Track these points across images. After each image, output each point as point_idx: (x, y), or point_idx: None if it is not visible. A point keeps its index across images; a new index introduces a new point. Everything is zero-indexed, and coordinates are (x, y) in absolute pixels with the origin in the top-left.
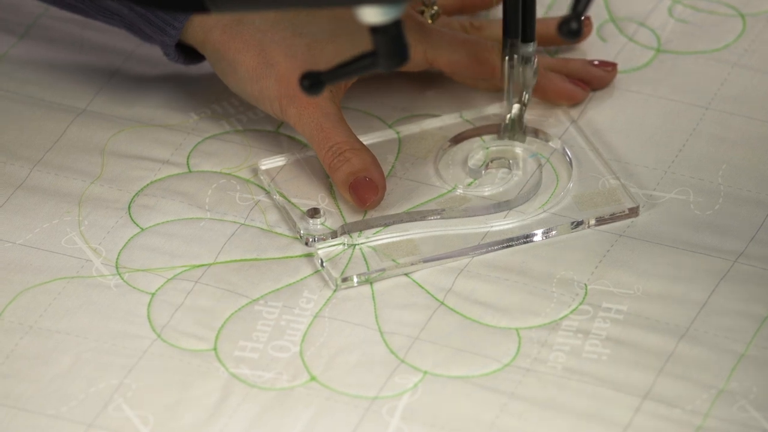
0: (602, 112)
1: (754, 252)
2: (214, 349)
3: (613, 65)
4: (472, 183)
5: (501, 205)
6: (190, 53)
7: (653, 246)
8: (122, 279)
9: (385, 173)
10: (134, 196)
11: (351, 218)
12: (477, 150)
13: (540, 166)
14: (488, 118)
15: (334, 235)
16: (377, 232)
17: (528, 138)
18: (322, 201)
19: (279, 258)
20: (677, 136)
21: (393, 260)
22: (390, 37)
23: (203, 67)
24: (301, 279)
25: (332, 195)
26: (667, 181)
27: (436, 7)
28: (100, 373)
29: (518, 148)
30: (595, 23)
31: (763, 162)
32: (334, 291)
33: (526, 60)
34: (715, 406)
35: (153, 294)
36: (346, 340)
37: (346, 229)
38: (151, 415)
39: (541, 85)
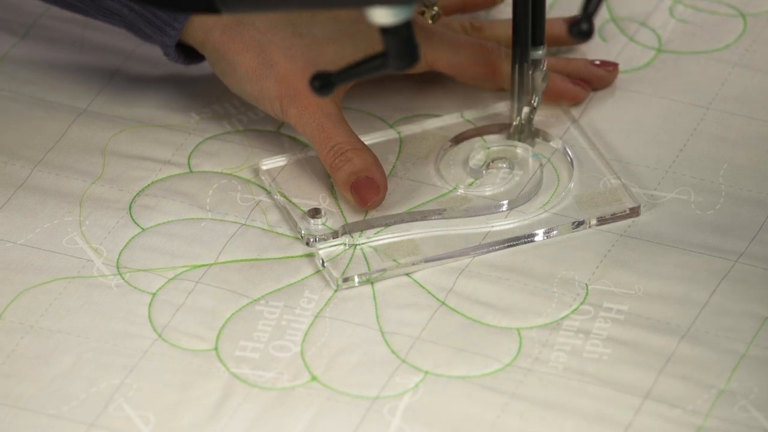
0: (603, 112)
1: (755, 252)
2: (215, 349)
3: (615, 65)
4: (473, 183)
5: (502, 205)
6: (190, 53)
7: (654, 246)
8: (123, 279)
9: (386, 173)
10: (135, 197)
11: (352, 218)
12: (478, 150)
13: (541, 166)
14: (489, 118)
15: (335, 235)
16: (378, 232)
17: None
18: (323, 201)
19: (280, 258)
20: (678, 136)
21: (394, 260)
22: (401, 38)
23: (204, 68)
24: (302, 279)
25: (333, 195)
26: (668, 180)
27: (436, 8)
28: (101, 372)
29: (519, 148)
30: (596, 23)
31: (764, 162)
32: (335, 291)
33: (535, 64)
34: (716, 406)
35: (154, 294)
36: (347, 340)
37: (347, 229)
38: (152, 414)
39: None
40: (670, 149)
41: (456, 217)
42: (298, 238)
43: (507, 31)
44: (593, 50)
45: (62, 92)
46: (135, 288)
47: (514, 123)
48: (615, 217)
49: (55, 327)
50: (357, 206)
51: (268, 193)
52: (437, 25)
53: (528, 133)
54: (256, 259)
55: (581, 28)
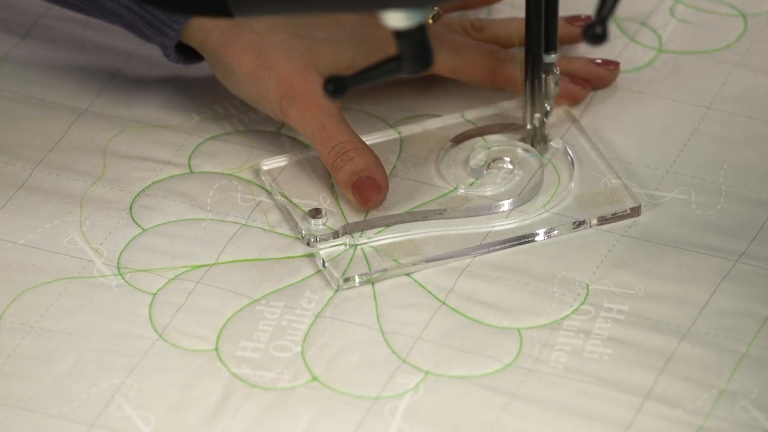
0: (604, 112)
1: (755, 252)
2: (216, 349)
3: (616, 64)
4: (473, 183)
5: (502, 205)
6: (189, 54)
7: (655, 246)
8: (124, 279)
9: (387, 173)
10: (136, 197)
11: (352, 218)
12: (478, 150)
13: (542, 165)
14: (490, 118)
15: (335, 235)
16: (379, 232)
17: (520, 139)
18: (323, 201)
19: (280, 258)
20: (679, 136)
21: (395, 260)
22: (414, 42)
23: (204, 69)
24: (303, 279)
25: (334, 195)
26: (669, 180)
27: (437, 8)
28: (101, 373)
29: (520, 148)
30: None
31: (764, 162)
32: (336, 291)
33: (547, 70)
34: (717, 406)
35: (154, 294)
36: (347, 340)
37: (348, 230)
38: (152, 415)
39: None
40: (670, 149)
41: (456, 217)
42: (299, 239)
43: (507, 31)
44: (594, 50)
45: (63, 92)
46: (135, 288)
47: (528, 128)
48: (616, 217)
49: (56, 327)
50: (358, 206)
51: (269, 193)
52: (438, 25)
53: (541, 137)
54: (257, 260)
55: (595, 31)
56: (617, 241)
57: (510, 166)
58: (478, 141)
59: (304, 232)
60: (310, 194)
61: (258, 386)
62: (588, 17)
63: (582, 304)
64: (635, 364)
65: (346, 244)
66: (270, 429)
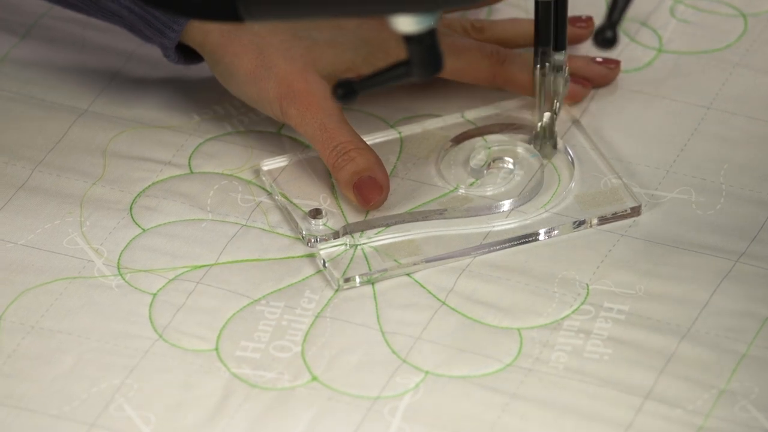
0: (604, 112)
1: (755, 252)
2: (216, 349)
3: (617, 62)
4: (474, 183)
5: (502, 205)
6: (189, 54)
7: (655, 246)
8: (124, 279)
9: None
10: (136, 197)
11: (353, 219)
12: (479, 150)
13: (542, 165)
14: (490, 118)
15: (336, 235)
16: (379, 232)
17: (529, 138)
18: (324, 201)
19: (281, 258)
20: (679, 136)
21: (395, 260)
22: (425, 47)
23: (205, 69)
24: (303, 279)
25: (334, 195)
26: (669, 180)
27: None
28: (101, 373)
29: (520, 148)
30: (597, 23)
31: (764, 162)
32: (336, 291)
33: (557, 69)
34: (717, 406)
35: (154, 294)
36: (347, 340)
37: (348, 230)
38: (152, 415)
39: None
40: (670, 149)
41: (457, 217)
42: (299, 239)
43: (508, 31)
44: (594, 50)
45: (63, 93)
46: (136, 288)
47: (537, 129)
48: (616, 217)
49: (56, 327)
50: (359, 206)
51: (269, 193)
52: (438, 26)
53: (550, 138)
54: (257, 260)
55: (606, 36)
56: (617, 241)
57: (510, 166)
58: (478, 141)
59: (304, 232)
60: (311, 194)
61: (258, 386)
62: (589, 18)
63: (582, 304)
64: (635, 364)
65: (346, 245)
66: (270, 429)
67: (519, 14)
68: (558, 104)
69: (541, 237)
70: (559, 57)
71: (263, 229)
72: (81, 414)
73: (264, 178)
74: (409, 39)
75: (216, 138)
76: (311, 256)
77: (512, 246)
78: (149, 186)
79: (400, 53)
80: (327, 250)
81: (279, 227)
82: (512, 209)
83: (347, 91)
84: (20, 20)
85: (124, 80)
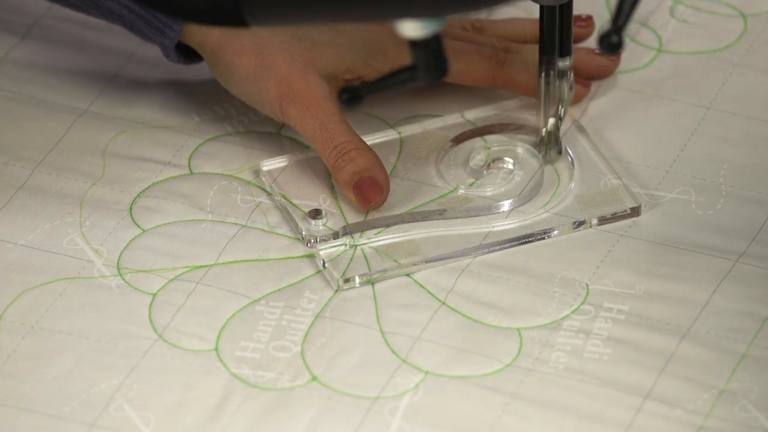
0: (604, 112)
1: (755, 252)
2: (216, 349)
3: (617, 54)
4: (473, 183)
5: (502, 205)
6: (189, 54)
7: (655, 246)
8: (123, 280)
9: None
10: (136, 198)
11: (352, 219)
12: (478, 150)
13: (541, 166)
14: (490, 118)
15: (335, 235)
16: (379, 232)
17: (529, 138)
18: (323, 202)
19: (280, 258)
20: (679, 136)
21: (394, 261)
22: (430, 52)
23: (205, 70)
24: (303, 279)
25: (334, 196)
26: (669, 180)
27: None
28: (101, 373)
29: (520, 148)
30: (597, 23)
31: (764, 162)
32: (336, 291)
33: (562, 74)
34: (717, 406)
35: (154, 295)
36: (347, 340)
37: (348, 230)
38: (152, 415)
39: None
40: (670, 149)
41: (457, 218)
42: (299, 239)
43: (508, 30)
44: (594, 43)
45: (63, 93)
46: (135, 289)
47: (542, 134)
48: (616, 217)
49: (56, 327)
50: (359, 206)
51: (269, 194)
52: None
53: (555, 144)
54: (257, 260)
55: (611, 40)
56: (617, 241)
57: (510, 167)
58: (478, 141)
59: (304, 232)
60: (310, 195)
61: (258, 386)
62: (589, 17)
63: (582, 304)
64: (635, 364)
65: (346, 245)
66: (270, 429)
67: (519, 14)
68: (563, 110)
69: (541, 237)
70: (563, 63)
71: (263, 230)
72: (81, 414)
73: (264, 179)
74: (414, 44)
75: (216, 138)
76: (311, 257)
77: (512, 246)
78: (149, 186)
79: (398, 55)
80: (327, 250)
81: (279, 228)
82: (512, 209)
83: (352, 96)
84: (20, 20)
85: (124, 80)
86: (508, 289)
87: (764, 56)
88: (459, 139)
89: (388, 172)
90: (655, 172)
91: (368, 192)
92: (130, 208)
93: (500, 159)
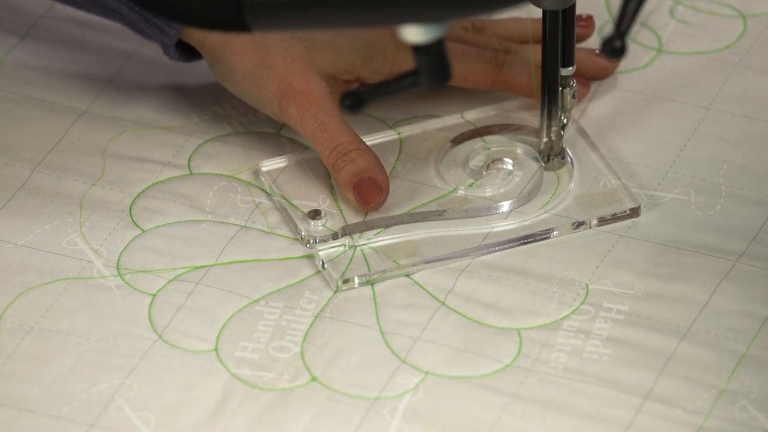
0: (603, 113)
1: (755, 252)
2: (215, 349)
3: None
4: (473, 184)
5: (502, 206)
6: (190, 51)
7: (654, 246)
8: (123, 280)
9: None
10: (135, 198)
11: (352, 219)
12: (478, 151)
13: (541, 166)
14: (490, 119)
15: (335, 236)
16: (378, 233)
17: (529, 138)
18: (323, 202)
19: (280, 259)
20: (678, 137)
21: (394, 261)
22: (433, 57)
23: (205, 70)
24: (303, 279)
25: (333, 196)
26: (669, 181)
27: None
28: (101, 373)
29: (519, 149)
30: (597, 23)
31: (764, 162)
32: (335, 292)
33: (565, 83)
34: (717, 406)
35: (154, 295)
36: (347, 340)
37: (347, 231)
38: (152, 415)
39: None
40: (670, 149)
41: (456, 218)
42: (298, 240)
43: (508, 30)
44: (595, 43)
45: (63, 93)
46: (135, 289)
47: (544, 141)
48: (615, 218)
49: (56, 328)
50: (359, 207)
51: (268, 194)
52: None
53: (558, 152)
54: (257, 260)
55: (614, 45)
56: (617, 242)
57: (509, 167)
58: (477, 142)
59: (303, 233)
60: (310, 195)
61: (258, 386)
62: (589, 17)
63: (582, 304)
64: (635, 364)
65: (345, 245)
66: (269, 429)
67: (519, 14)
68: (566, 118)
69: (541, 238)
70: (566, 71)
71: (262, 230)
72: (80, 414)
73: (263, 179)
74: (417, 49)
75: (215, 139)
76: (310, 257)
77: (512, 247)
78: (149, 187)
79: (398, 56)
80: (326, 251)
81: (278, 228)
82: (511, 210)
83: (355, 101)
84: (20, 20)
85: (124, 81)
86: (508, 290)
87: (764, 56)
88: (458, 140)
89: (388, 172)
90: (654, 173)
91: (368, 193)
92: (130, 209)
93: (500, 160)
